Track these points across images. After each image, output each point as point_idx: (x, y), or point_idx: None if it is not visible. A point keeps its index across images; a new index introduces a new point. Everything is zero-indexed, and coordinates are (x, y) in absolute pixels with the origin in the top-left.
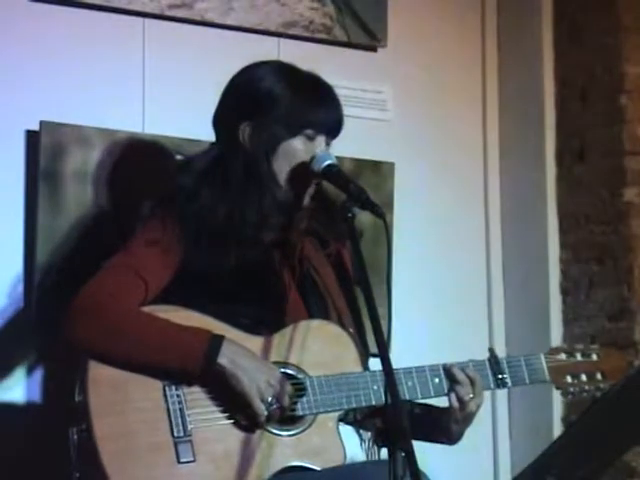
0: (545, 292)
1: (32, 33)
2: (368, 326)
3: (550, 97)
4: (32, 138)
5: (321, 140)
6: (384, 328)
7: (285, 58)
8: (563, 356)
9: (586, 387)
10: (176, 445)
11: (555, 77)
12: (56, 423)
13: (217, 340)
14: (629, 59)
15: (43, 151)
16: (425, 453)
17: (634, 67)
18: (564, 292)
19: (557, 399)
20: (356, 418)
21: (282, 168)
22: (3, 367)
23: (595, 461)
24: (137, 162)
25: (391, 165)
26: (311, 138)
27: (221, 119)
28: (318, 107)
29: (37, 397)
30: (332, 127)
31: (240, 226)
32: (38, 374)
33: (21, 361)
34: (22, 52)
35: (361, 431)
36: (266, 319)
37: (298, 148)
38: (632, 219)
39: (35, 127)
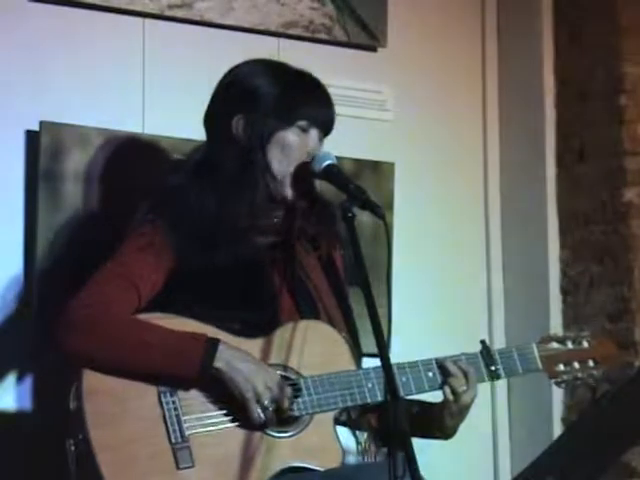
0: (545, 292)
1: (32, 33)
2: (360, 327)
3: (550, 97)
4: (32, 138)
5: (315, 134)
6: (384, 328)
7: (285, 58)
8: (554, 345)
9: (579, 375)
10: (174, 451)
11: (555, 77)
12: (51, 431)
13: (213, 344)
14: (629, 59)
15: (43, 151)
16: (425, 453)
17: (634, 67)
18: (564, 292)
19: (557, 399)
20: (350, 417)
21: (276, 158)
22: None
23: (595, 461)
24: (131, 163)
25: (391, 165)
26: (305, 130)
27: (213, 115)
28: (309, 100)
29: (32, 404)
30: (324, 121)
31: (231, 218)
32: (35, 381)
33: (17, 367)
34: (22, 52)
35: (357, 433)
36: (258, 322)
37: (292, 139)
38: (632, 219)
39: (35, 127)
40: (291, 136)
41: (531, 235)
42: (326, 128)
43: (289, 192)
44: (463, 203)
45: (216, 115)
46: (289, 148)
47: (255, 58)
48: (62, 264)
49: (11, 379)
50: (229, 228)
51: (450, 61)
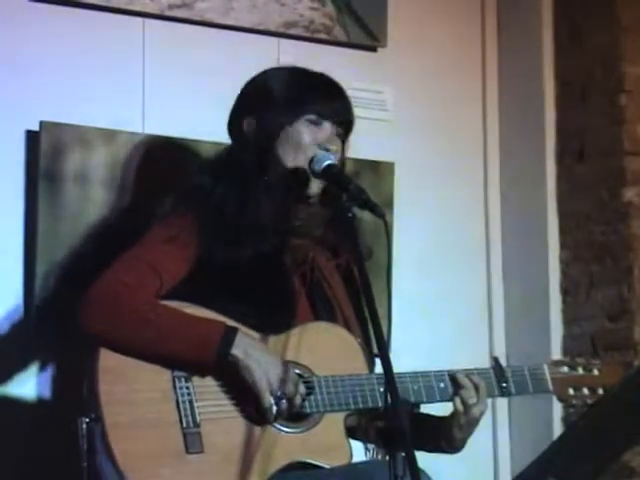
0: (545, 292)
1: (32, 33)
2: None
3: (550, 97)
4: (32, 138)
5: (328, 127)
6: (384, 328)
7: (285, 58)
8: (565, 369)
9: (588, 401)
10: (185, 436)
11: (555, 77)
12: (64, 419)
13: (232, 331)
14: (629, 59)
15: (43, 151)
16: (425, 453)
17: (634, 67)
18: (564, 292)
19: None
20: (361, 422)
21: (287, 153)
22: (4, 367)
23: (595, 461)
24: (163, 164)
25: (391, 165)
26: (316, 123)
27: (230, 119)
28: (316, 95)
29: (51, 394)
30: (336, 113)
31: (253, 218)
32: (40, 372)
33: (23, 361)
34: (22, 52)
35: (367, 445)
36: (274, 320)
37: (301, 131)
38: (632, 219)
39: (35, 127)
40: (300, 128)
41: (531, 235)
42: (341, 120)
43: (312, 190)
44: (463, 203)
45: (232, 118)
46: (298, 141)
47: (280, 65)
48: (62, 263)
49: (22, 372)
50: (252, 228)
51: (450, 61)
